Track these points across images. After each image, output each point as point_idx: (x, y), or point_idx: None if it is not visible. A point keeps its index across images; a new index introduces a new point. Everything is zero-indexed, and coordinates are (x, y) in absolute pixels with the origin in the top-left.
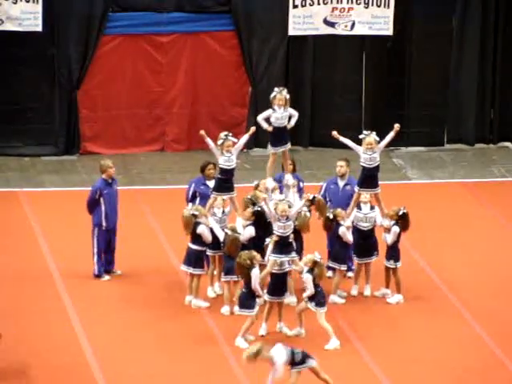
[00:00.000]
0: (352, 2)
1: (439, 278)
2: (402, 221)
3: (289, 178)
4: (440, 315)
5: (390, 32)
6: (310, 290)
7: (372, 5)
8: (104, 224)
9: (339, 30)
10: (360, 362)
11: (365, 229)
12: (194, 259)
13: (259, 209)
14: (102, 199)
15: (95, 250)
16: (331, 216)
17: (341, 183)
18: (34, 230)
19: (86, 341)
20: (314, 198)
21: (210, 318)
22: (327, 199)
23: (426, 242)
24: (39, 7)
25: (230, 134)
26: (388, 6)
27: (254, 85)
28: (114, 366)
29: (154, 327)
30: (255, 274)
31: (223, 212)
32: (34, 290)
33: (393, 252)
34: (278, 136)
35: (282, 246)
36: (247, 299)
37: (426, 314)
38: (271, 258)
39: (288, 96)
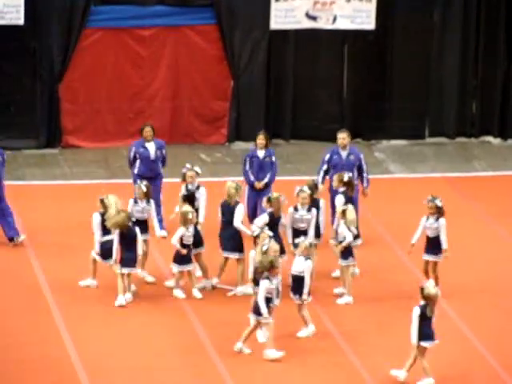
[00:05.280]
0: None
1: (422, 274)
2: (349, 186)
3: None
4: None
5: (371, 26)
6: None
7: None
8: None
9: (321, 24)
10: (341, 355)
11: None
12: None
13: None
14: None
15: None
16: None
17: (343, 153)
18: (16, 224)
19: (67, 333)
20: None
21: (191, 312)
22: (330, 168)
23: (408, 237)
24: (21, 0)
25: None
26: None
27: (235, 78)
28: (94, 359)
29: (134, 320)
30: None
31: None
32: (14, 283)
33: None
34: None
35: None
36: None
37: (408, 309)
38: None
39: None
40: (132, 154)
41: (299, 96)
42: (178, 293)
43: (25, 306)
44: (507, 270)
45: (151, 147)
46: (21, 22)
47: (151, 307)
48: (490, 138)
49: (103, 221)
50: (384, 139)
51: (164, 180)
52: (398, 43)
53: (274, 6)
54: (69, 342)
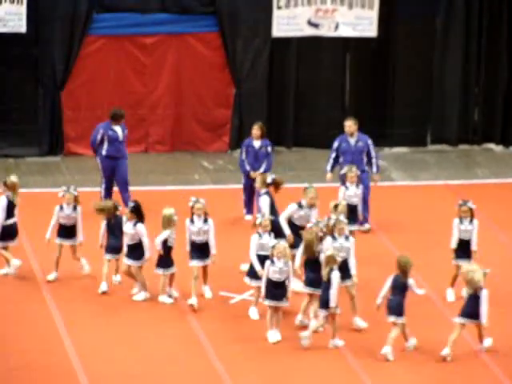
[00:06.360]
0: (336, 4)
1: (424, 280)
2: (274, 185)
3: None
4: (424, 317)
5: (374, 33)
6: None
7: (356, 6)
8: None
9: (323, 31)
10: (342, 360)
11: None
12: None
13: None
14: None
15: None
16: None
17: (352, 140)
18: (18, 231)
19: (69, 340)
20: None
21: (193, 318)
22: (339, 156)
23: (410, 244)
24: (23, 8)
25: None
26: (372, 7)
27: (238, 86)
28: (95, 364)
29: (135, 325)
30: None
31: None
32: (17, 290)
33: None
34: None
35: None
36: (400, 305)
37: (409, 315)
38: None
39: None
40: (99, 137)
41: (301, 103)
42: (164, 298)
43: (27, 313)
44: (510, 277)
45: (118, 129)
46: (23, 29)
47: (152, 312)
48: (492, 146)
49: (8, 204)
50: (386, 146)
51: (166, 188)
52: (400, 50)
53: (276, 13)
54: (70, 348)
